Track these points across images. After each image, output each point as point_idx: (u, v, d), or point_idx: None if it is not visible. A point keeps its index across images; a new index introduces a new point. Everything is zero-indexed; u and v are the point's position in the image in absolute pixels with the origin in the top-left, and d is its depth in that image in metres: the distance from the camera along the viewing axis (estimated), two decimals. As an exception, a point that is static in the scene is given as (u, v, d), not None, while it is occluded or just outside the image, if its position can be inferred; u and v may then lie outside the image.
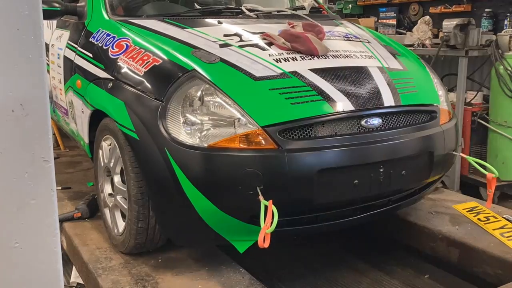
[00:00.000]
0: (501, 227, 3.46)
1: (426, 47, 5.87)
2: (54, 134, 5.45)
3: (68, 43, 3.91)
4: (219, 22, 3.51)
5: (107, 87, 3.09)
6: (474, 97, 5.54)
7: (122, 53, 3.15)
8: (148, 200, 2.85)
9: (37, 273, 1.40)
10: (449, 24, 5.44)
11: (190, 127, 2.67)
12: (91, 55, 3.45)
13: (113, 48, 3.23)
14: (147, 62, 2.95)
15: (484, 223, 3.53)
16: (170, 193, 2.71)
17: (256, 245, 2.61)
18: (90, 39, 3.55)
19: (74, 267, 3.56)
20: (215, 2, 4.67)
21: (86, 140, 3.56)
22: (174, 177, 2.64)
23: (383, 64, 3.29)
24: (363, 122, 2.87)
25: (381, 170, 2.88)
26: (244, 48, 3.10)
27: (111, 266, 3.02)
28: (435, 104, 3.28)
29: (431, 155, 3.11)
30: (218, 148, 2.62)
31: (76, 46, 3.73)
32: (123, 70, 3.06)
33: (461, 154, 3.49)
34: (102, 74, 3.23)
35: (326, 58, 3.14)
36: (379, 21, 7.25)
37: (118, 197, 3.12)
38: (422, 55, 4.96)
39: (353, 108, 2.85)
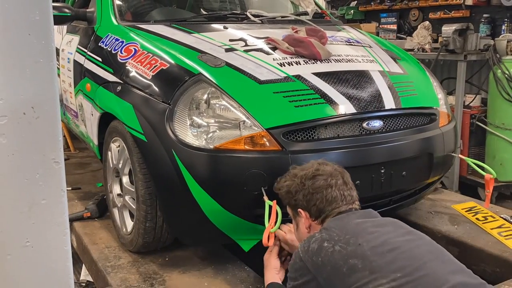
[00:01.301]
0: (499, 227, 3.45)
1: (426, 51, 5.86)
2: (64, 136, 5.45)
3: (78, 47, 3.91)
4: (225, 27, 3.51)
5: (116, 91, 3.09)
6: (473, 100, 5.54)
7: (130, 57, 3.15)
8: (156, 200, 2.85)
9: (47, 271, 1.40)
10: (448, 29, 5.44)
11: (197, 129, 2.67)
12: (100, 59, 3.45)
13: (121, 53, 3.23)
14: (154, 66, 2.95)
15: (482, 223, 3.51)
16: (177, 194, 2.70)
17: (260, 244, 2.62)
18: (99, 44, 3.55)
19: (83, 265, 3.56)
20: (220, 7, 4.68)
21: (96, 142, 3.56)
22: (181, 178, 2.63)
23: (384, 68, 3.29)
24: (364, 125, 2.86)
25: (382, 171, 2.87)
26: (249, 53, 3.09)
27: (120, 265, 3.02)
28: (434, 107, 3.27)
29: (431, 156, 3.11)
30: (224, 149, 2.61)
31: (85, 50, 3.73)
32: (131, 74, 3.06)
33: (460, 155, 3.47)
34: (111, 77, 3.23)
35: (328, 62, 3.14)
36: (380, 26, 7.23)
37: (127, 197, 3.12)
38: (422, 60, 4.95)
39: (355, 111, 2.85)
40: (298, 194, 2.32)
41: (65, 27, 4.38)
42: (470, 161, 3.37)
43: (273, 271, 2.58)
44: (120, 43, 3.32)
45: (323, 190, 2.27)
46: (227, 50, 3.11)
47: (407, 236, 2.08)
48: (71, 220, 3.55)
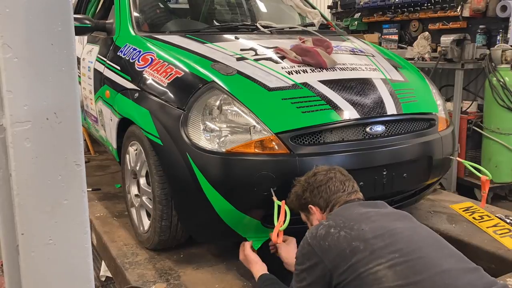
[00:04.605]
0: (494, 225, 3.43)
1: (426, 60, 5.84)
2: (85, 140, 5.46)
3: (97, 56, 3.92)
4: (236, 38, 3.51)
5: (134, 97, 3.09)
6: (470, 106, 5.53)
7: (147, 66, 3.14)
8: (171, 201, 2.84)
9: (69, 267, 1.39)
10: (446, 39, 5.43)
11: (210, 133, 2.66)
12: (119, 68, 3.45)
13: (139, 62, 3.23)
14: (170, 74, 2.95)
15: (479, 222, 3.49)
16: (191, 194, 2.69)
17: (269, 241, 2.61)
18: (118, 53, 3.55)
19: (103, 262, 3.55)
20: (232, 19, 4.67)
21: (114, 145, 3.56)
22: (195, 179, 2.62)
23: (386, 76, 3.27)
24: (368, 129, 2.85)
25: (384, 173, 2.86)
26: (259, 62, 3.08)
27: (137, 261, 3.02)
28: (433, 113, 3.25)
29: (430, 159, 3.09)
30: (235, 153, 2.60)
31: (105, 59, 3.73)
32: (148, 82, 3.06)
33: (458, 158, 3.46)
34: (129, 85, 3.23)
35: (334, 70, 3.12)
36: (382, 36, 7.21)
37: (144, 198, 3.12)
38: (421, 68, 4.94)
39: (358, 116, 2.83)
40: (306, 192, 2.38)
41: (85, 37, 4.39)
42: (467, 163, 3.35)
43: (258, 264, 2.64)
44: (138, 53, 3.32)
45: (325, 182, 2.35)
46: (238, 59, 3.10)
47: (410, 224, 2.14)
48: None
